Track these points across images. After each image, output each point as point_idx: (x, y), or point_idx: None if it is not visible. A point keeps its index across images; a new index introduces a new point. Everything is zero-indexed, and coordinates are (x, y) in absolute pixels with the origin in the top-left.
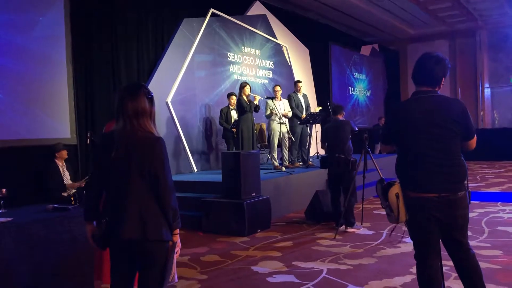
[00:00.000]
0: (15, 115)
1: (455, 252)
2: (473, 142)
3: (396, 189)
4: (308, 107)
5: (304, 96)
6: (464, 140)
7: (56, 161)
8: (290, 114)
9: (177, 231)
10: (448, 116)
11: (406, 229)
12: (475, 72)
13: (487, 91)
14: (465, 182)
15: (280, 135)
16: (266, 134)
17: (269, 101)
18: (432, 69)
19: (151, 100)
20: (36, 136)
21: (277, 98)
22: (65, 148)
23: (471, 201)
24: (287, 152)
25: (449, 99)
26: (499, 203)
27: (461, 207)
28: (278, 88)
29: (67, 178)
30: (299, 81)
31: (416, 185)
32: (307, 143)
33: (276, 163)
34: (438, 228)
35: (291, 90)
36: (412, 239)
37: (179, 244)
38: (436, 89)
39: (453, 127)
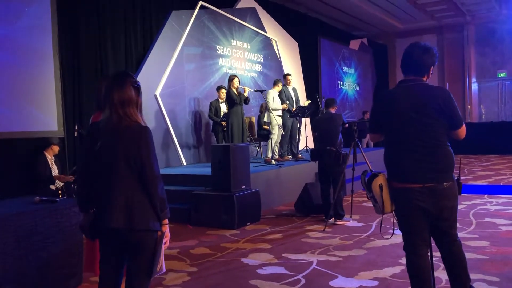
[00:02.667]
0: (1, 108)
1: (441, 242)
2: (462, 131)
3: (380, 180)
4: (297, 100)
5: (294, 89)
6: (451, 129)
7: (45, 153)
8: (286, 106)
9: (166, 221)
10: (432, 105)
11: (396, 221)
12: (463, 66)
13: (475, 86)
14: (454, 172)
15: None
16: (256, 127)
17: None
18: (420, 57)
19: (137, 89)
20: (22, 129)
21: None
22: (58, 144)
23: (461, 193)
24: (277, 145)
25: (434, 88)
26: (486, 196)
27: (447, 198)
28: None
29: (55, 171)
30: (288, 74)
31: (401, 175)
32: (297, 137)
33: (276, 156)
34: (426, 219)
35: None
36: (400, 230)
37: (167, 234)
38: (424, 78)
39: (438, 116)
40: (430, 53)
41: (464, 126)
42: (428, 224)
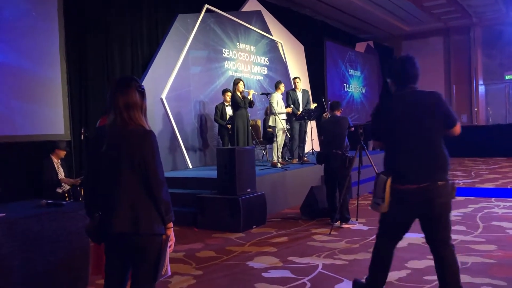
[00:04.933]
0: (8, 111)
1: (432, 243)
2: (457, 128)
3: (389, 182)
4: (307, 103)
5: (304, 92)
6: (447, 128)
7: (52, 157)
8: (290, 110)
9: (170, 224)
10: (427, 109)
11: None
12: (469, 69)
13: (481, 88)
14: (448, 173)
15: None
16: (262, 131)
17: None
18: (407, 70)
19: (142, 93)
20: (29, 132)
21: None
22: (66, 149)
23: (456, 196)
24: (281, 149)
25: (426, 93)
26: (493, 199)
27: (440, 196)
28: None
29: (61, 174)
30: (296, 78)
31: (401, 177)
32: (304, 140)
33: (280, 159)
34: (413, 219)
35: (287, 86)
36: (381, 221)
37: (172, 238)
38: (415, 86)
39: (433, 118)
40: (417, 65)
41: (459, 123)
42: (410, 225)
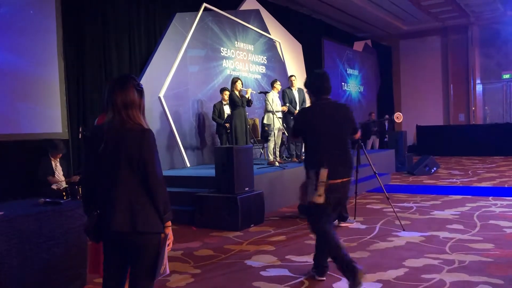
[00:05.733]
0: (6, 110)
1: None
2: (358, 134)
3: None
4: (303, 101)
5: (300, 90)
6: (352, 134)
7: (50, 156)
8: (286, 109)
9: (169, 223)
10: (342, 117)
11: (401, 223)
12: (467, 68)
13: (479, 87)
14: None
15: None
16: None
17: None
18: (325, 84)
19: (140, 92)
20: (27, 131)
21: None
22: (63, 150)
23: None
24: (278, 147)
25: (341, 104)
26: (490, 198)
27: (349, 188)
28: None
29: (59, 173)
30: (292, 76)
31: (331, 174)
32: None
33: (278, 158)
34: (335, 205)
35: (284, 85)
36: (316, 212)
37: (171, 236)
38: (329, 97)
39: (345, 125)
40: (329, 80)
41: (359, 131)
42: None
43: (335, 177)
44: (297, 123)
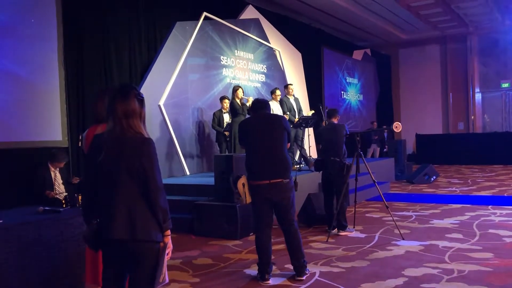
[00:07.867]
0: (6, 117)
1: (282, 225)
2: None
3: (242, 180)
4: (300, 110)
5: (296, 99)
6: (288, 141)
7: (49, 165)
8: (287, 117)
9: (168, 232)
10: (276, 126)
11: (400, 232)
12: (466, 77)
13: (478, 96)
14: (291, 173)
15: None
16: None
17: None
18: (264, 104)
19: (141, 101)
20: (27, 139)
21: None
22: (65, 159)
23: (297, 190)
24: None
25: (274, 115)
26: (490, 207)
27: (285, 190)
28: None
29: (58, 182)
30: (290, 84)
31: (255, 176)
32: (302, 147)
33: None
34: (271, 208)
35: (282, 94)
36: (253, 215)
37: (170, 245)
38: (266, 111)
39: (279, 133)
40: (269, 105)
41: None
42: (272, 212)
43: (261, 178)
44: (241, 132)
